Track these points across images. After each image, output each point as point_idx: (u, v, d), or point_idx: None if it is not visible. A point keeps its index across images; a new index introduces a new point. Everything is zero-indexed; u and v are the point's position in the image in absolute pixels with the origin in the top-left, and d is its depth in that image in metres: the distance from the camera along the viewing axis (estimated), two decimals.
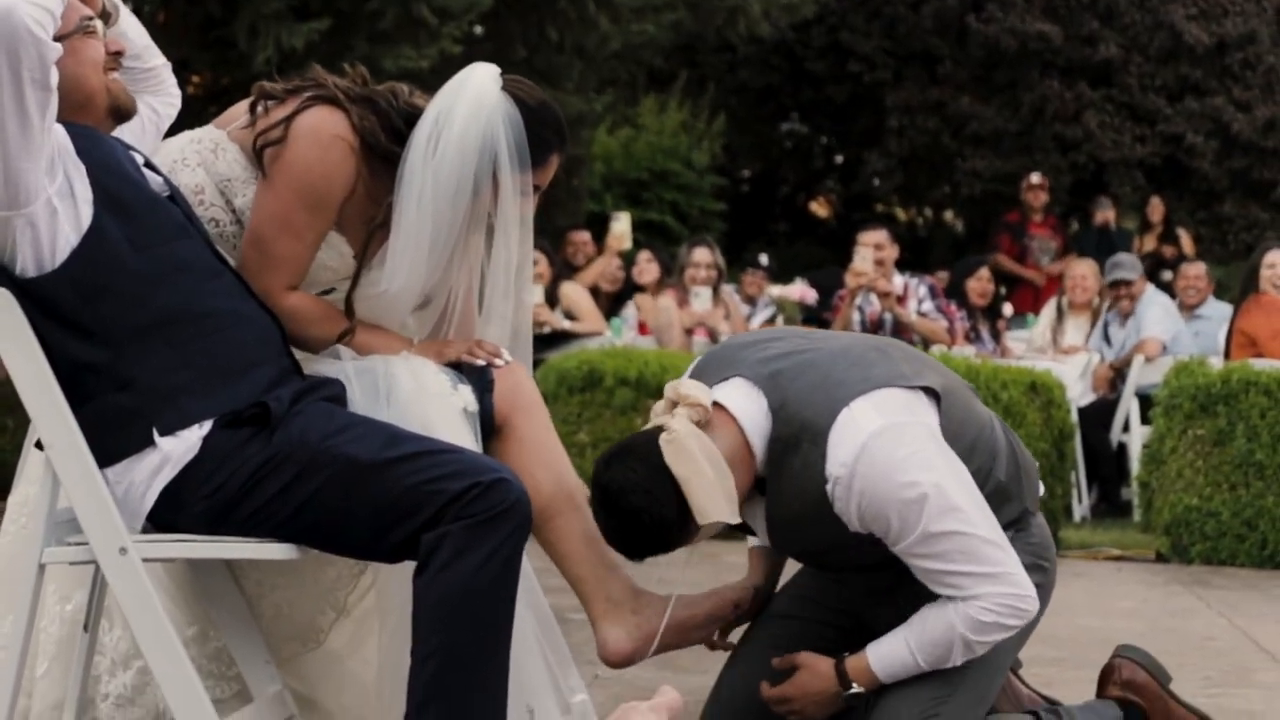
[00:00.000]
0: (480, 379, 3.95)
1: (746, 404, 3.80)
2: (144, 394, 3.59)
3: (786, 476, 3.77)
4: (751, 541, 4.26)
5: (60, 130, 3.60)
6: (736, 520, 3.76)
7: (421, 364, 3.93)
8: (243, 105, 4.08)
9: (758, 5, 15.19)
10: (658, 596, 4.04)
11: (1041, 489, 4.12)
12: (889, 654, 3.85)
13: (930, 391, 3.83)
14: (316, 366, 3.94)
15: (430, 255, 3.98)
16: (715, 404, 3.82)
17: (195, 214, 3.92)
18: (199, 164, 4.05)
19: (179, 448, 3.59)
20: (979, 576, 3.73)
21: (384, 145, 3.98)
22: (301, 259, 3.98)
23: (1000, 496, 3.90)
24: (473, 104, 3.96)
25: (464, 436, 3.85)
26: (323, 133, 3.94)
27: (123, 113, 3.83)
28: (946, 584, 3.75)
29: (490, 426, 3.95)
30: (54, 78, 3.50)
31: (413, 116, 4.00)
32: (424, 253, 3.97)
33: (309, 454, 3.57)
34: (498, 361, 4.00)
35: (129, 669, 4.06)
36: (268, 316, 3.83)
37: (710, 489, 3.72)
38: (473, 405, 3.92)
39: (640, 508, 3.72)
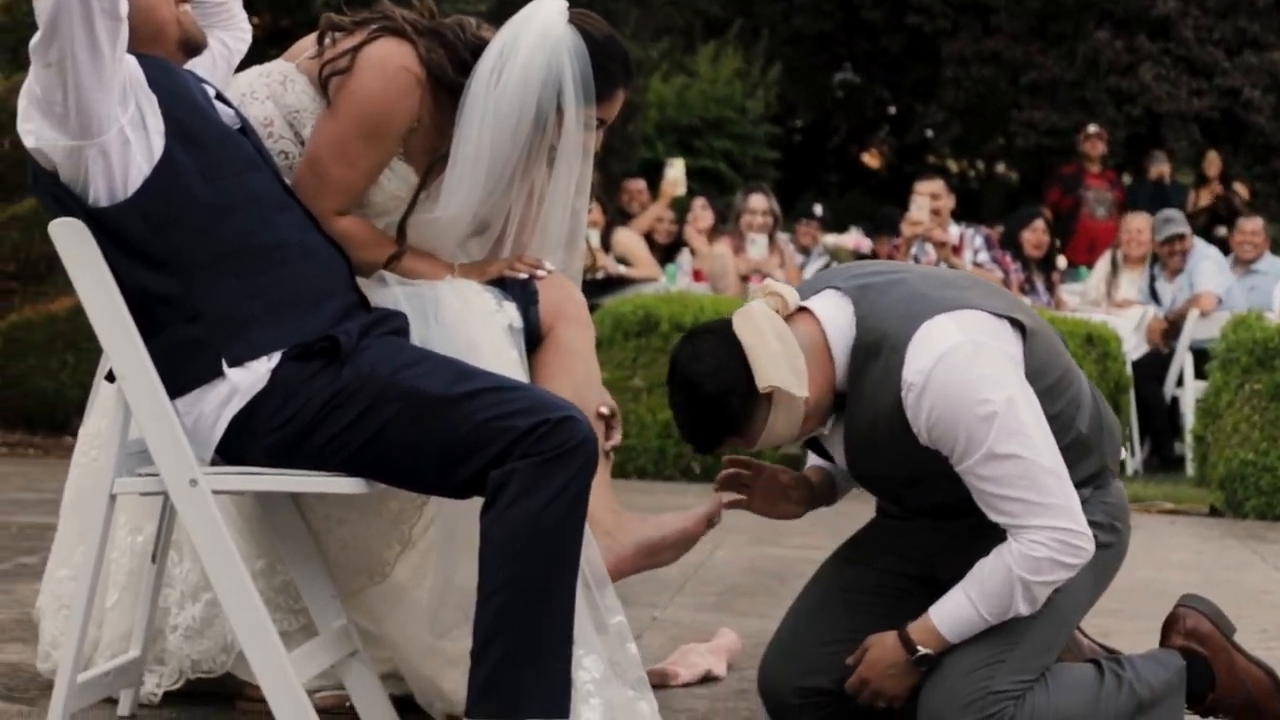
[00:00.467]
0: (524, 292, 3.99)
1: (833, 310, 3.81)
2: (213, 325, 3.60)
3: (866, 385, 3.77)
4: (811, 463, 4.24)
5: (132, 61, 3.61)
6: (803, 393, 3.74)
7: (466, 284, 3.97)
8: (310, 38, 4.09)
9: None
10: (635, 518, 4.05)
11: (1123, 453, 4.09)
12: (951, 610, 3.83)
13: (1017, 325, 3.82)
14: (365, 292, 3.94)
15: (486, 184, 3.99)
16: (802, 308, 3.83)
17: (265, 147, 3.93)
18: (267, 96, 4.06)
19: (247, 379, 3.60)
20: (1035, 506, 3.70)
21: (451, 78, 3.99)
22: (355, 186, 3.99)
23: (1081, 449, 3.88)
24: (538, 35, 3.96)
25: (508, 353, 3.88)
26: (389, 64, 3.95)
27: (193, 46, 3.84)
28: (1002, 510, 3.73)
29: (536, 339, 3.99)
30: (123, 7, 3.51)
31: (480, 49, 4.00)
32: (480, 181, 3.98)
33: (378, 387, 3.57)
34: (539, 273, 4.03)
35: (198, 601, 4.09)
36: (335, 249, 3.84)
37: (775, 357, 3.72)
38: (517, 321, 3.96)
39: (705, 373, 3.74)
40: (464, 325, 3.86)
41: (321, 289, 3.72)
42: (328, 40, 4.03)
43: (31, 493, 8.15)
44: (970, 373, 3.68)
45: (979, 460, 3.69)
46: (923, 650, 3.84)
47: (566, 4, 4.04)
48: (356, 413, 3.57)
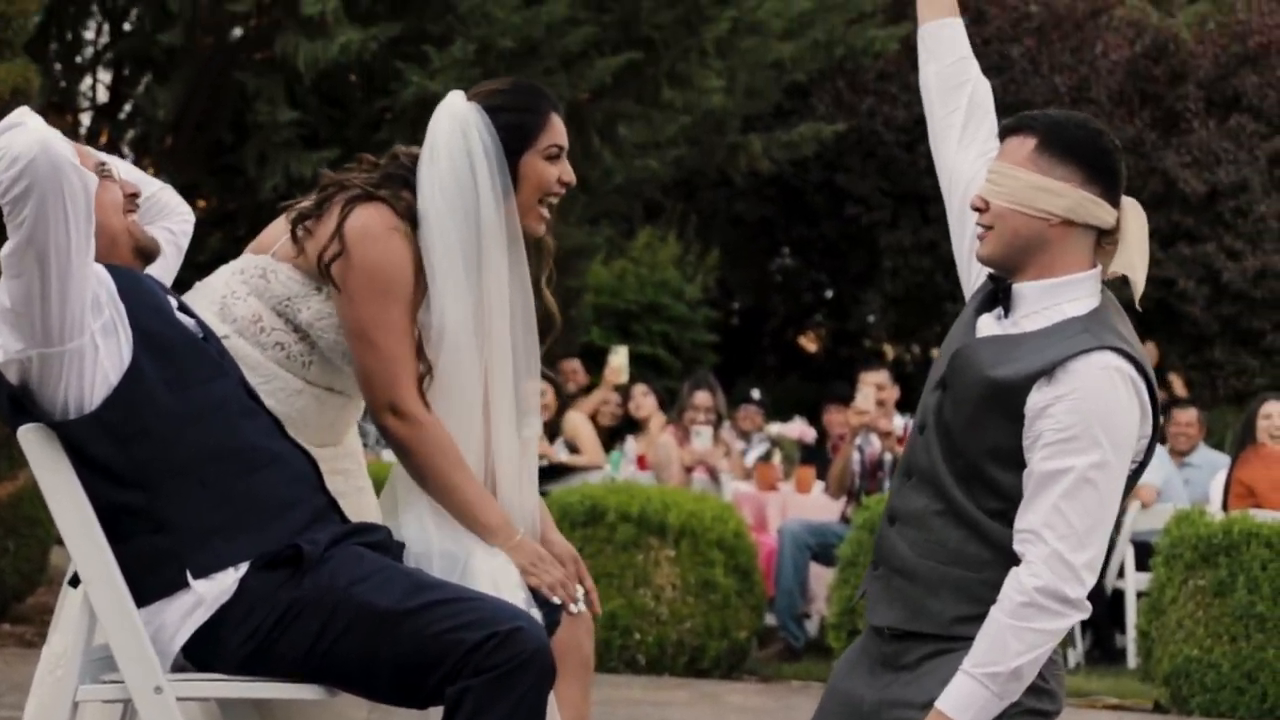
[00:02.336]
0: (549, 616, 3.85)
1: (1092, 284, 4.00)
2: (178, 535, 3.58)
3: (1044, 335, 3.82)
4: None
5: (101, 269, 3.61)
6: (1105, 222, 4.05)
7: (506, 571, 3.87)
8: (276, 227, 4.11)
9: (759, 143, 15.33)
10: None
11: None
12: (953, 692, 3.70)
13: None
14: (403, 528, 3.89)
15: (466, 275, 4.00)
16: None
17: (229, 353, 3.91)
18: (249, 293, 4.05)
19: (213, 590, 3.57)
20: (1071, 538, 3.68)
21: None
22: (412, 354, 3.98)
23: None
24: (447, 121, 4.03)
25: None
26: (375, 230, 3.96)
27: (147, 253, 3.85)
28: (1048, 522, 3.68)
29: None
30: (93, 210, 3.52)
31: None
32: (460, 274, 3.99)
33: (333, 601, 3.55)
34: (572, 608, 3.95)
35: None
36: (302, 455, 3.81)
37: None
38: None
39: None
40: None
41: (288, 496, 3.70)
42: (300, 232, 4.04)
43: None
44: (1129, 409, 3.74)
45: (1070, 469, 3.69)
46: None
47: (462, 93, 4.11)
48: (313, 625, 3.54)
